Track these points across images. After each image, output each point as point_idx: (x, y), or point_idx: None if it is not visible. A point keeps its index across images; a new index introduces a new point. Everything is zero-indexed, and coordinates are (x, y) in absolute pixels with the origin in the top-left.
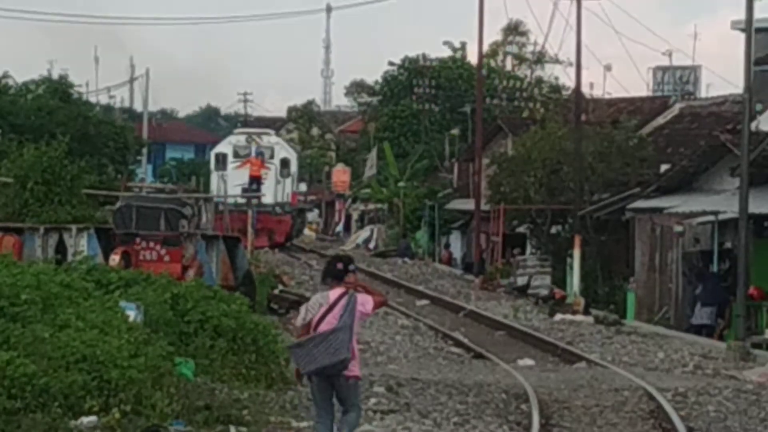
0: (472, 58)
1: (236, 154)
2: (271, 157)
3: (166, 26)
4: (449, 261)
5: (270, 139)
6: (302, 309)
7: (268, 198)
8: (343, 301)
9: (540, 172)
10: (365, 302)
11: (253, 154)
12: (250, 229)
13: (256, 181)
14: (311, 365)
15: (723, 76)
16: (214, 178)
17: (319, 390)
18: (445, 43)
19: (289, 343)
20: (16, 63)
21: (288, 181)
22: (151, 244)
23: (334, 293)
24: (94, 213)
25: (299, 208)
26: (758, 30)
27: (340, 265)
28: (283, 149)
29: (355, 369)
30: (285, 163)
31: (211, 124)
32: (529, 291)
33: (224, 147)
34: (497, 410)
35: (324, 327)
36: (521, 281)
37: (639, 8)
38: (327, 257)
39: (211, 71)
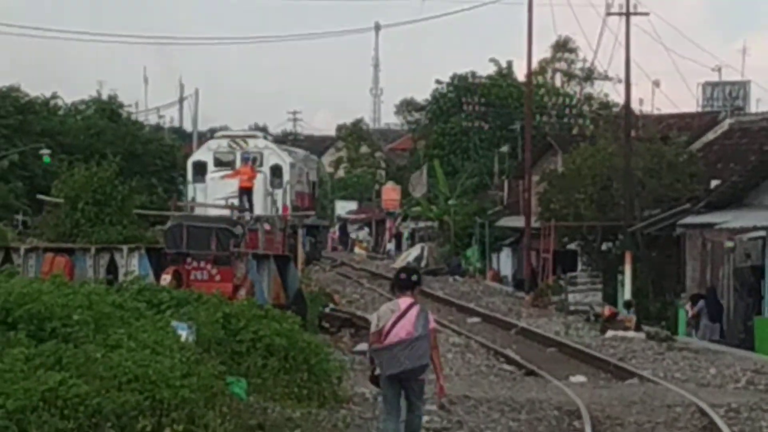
0: (521, 74)
1: (218, 162)
2: (260, 164)
3: (215, 45)
4: (496, 278)
5: (257, 142)
6: (374, 317)
7: (257, 212)
8: (414, 311)
9: (590, 188)
10: (431, 321)
11: (238, 161)
12: (300, 248)
13: (247, 193)
14: (396, 368)
15: None
16: (191, 190)
17: (392, 390)
18: (491, 60)
19: (364, 351)
20: (66, 83)
21: (280, 192)
22: (202, 264)
23: (404, 302)
24: (145, 233)
25: (303, 224)
26: None
27: (406, 276)
28: (273, 154)
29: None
30: (276, 170)
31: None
32: (580, 308)
33: (203, 154)
34: (550, 427)
35: (397, 332)
36: (572, 298)
37: (688, 24)
38: (377, 276)
39: (260, 90)
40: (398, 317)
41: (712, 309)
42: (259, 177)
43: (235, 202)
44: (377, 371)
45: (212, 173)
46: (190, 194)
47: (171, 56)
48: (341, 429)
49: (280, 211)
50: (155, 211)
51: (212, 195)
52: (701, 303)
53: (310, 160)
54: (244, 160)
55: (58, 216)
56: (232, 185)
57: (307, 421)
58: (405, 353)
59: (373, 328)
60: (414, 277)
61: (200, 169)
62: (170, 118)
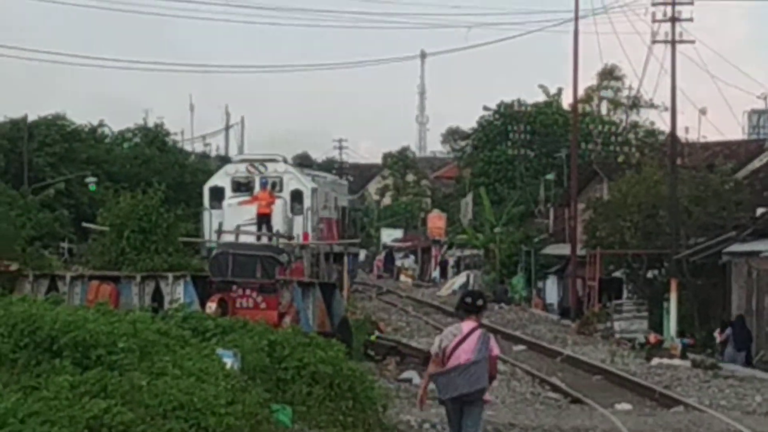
0: (567, 103)
1: (235, 187)
2: (280, 189)
3: (260, 74)
4: (543, 307)
5: (277, 167)
6: (436, 339)
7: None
8: (476, 335)
9: (636, 216)
10: (495, 347)
11: (257, 186)
12: (346, 276)
13: (265, 220)
14: (453, 392)
15: None
16: (208, 217)
17: (454, 412)
18: (540, 86)
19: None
20: (113, 111)
21: (300, 218)
22: (248, 292)
23: (467, 325)
24: (191, 261)
25: (326, 251)
26: None
27: (472, 300)
28: (294, 179)
29: (486, 395)
30: (297, 195)
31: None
32: (626, 335)
33: (220, 179)
34: None
35: (459, 355)
36: (618, 326)
37: (734, 51)
38: (423, 303)
39: (305, 118)
40: (459, 341)
41: (739, 337)
42: (278, 203)
43: (253, 229)
44: (439, 393)
45: (230, 199)
46: (206, 221)
47: (217, 84)
48: None
49: (301, 239)
50: (201, 239)
51: (229, 222)
52: (729, 330)
53: (339, 185)
54: (263, 185)
55: (103, 244)
56: (250, 212)
57: None
58: (461, 378)
59: (433, 350)
60: (479, 302)
61: (217, 194)
62: (216, 146)
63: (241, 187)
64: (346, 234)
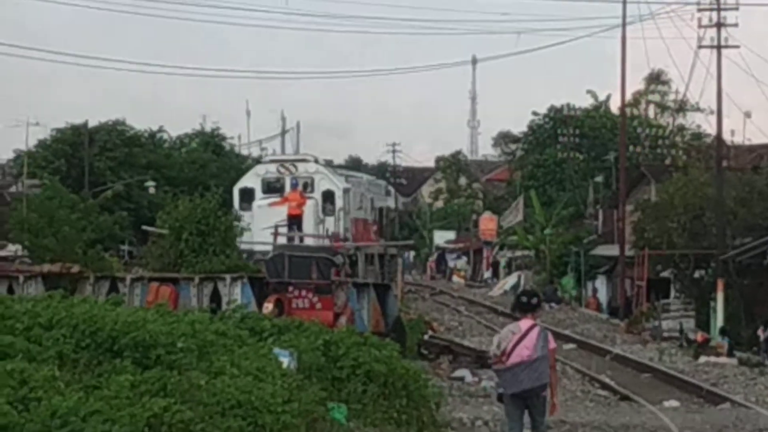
0: (616, 107)
1: (266, 188)
2: (311, 189)
3: (315, 79)
4: (597, 307)
5: (308, 167)
6: (495, 338)
7: (307, 240)
8: (534, 332)
9: (683, 217)
10: (551, 341)
11: (288, 186)
12: (400, 276)
13: (296, 221)
14: (517, 387)
15: None
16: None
17: (516, 407)
18: (588, 91)
19: (497, 378)
20: (171, 117)
21: (332, 219)
22: (304, 292)
23: (525, 323)
24: (248, 263)
25: (361, 253)
26: None
27: (527, 299)
28: (325, 179)
29: (550, 391)
30: (328, 196)
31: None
32: (674, 334)
33: (250, 180)
34: None
35: (519, 352)
36: (666, 325)
37: None
38: (475, 303)
39: (358, 123)
40: (519, 338)
41: None
42: (309, 203)
43: (283, 230)
44: (500, 390)
45: (260, 200)
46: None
47: (272, 90)
48: None
49: (330, 241)
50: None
51: (259, 223)
52: None
53: (376, 185)
54: (293, 185)
55: (162, 246)
56: (280, 213)
57: None
58: (525, 373)
59: (492, 349)
60: (534, 300)
61: (247, 196)
62: (272, 151)
63: (272, 187)
64: (386, 235)
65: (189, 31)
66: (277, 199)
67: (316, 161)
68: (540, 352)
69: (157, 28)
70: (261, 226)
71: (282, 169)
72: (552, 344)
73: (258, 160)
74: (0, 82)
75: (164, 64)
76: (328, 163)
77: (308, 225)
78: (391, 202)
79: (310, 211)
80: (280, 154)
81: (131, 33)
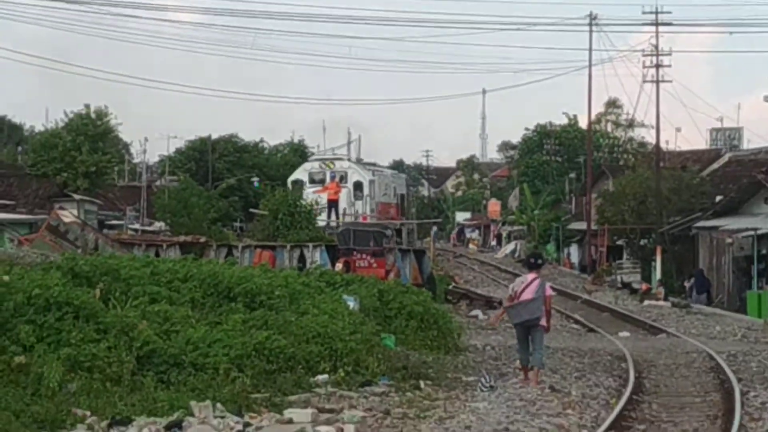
0: (583, 123)
1: (312, 180)
2: (345, 181)
3: (372, 105)
4: (571, 266)
5: (343, 164)
6: (511, 285)
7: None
8: (536, 282)
9: (632, 202)
10: (548, 290)
11: (328, 178)
12: (432, 244)
13: (334, 204)
14: (518, 319)
15: (759, 134)
16: None
17: (521, 334)
18: (564, 113)
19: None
20: (270, 131)
21: (360, 203)
22: (364, 255)
23: (530, 276)
24: (325, 235)
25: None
26: None
27: (534, 260)
28: (356, 173)
29: (543, 322)
30: (358, 186)
31: (402, 172)
32: (625, 285)
33: (300, 174)
34: (605, 367)
35: (525, 296)
36: (620, 278)
37: (700, 87)
38: (485, 263)
39: (400, 134)
40: (525, 286)
41: (699, 284)
42: (344, 191)
43: (324, 212)
44: (512, 318)
45: (307, 189)
46: None
47: (341, 111)
48: (460, 369)
49: (360, 219)
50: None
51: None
52: (692, 280)
53: (399, 177)
54: (332, 177)
55: (264, 223)
56: (322, 198)
57: (437, 363)
58: (525, 309)
59: (509, 293)
60: (539, 261)
61: (297, 186)
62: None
63: (316, 179)
64: (407, 215)
65: (281, 70)
66: (319, 188)
67: (349, 159)
68: (535, 295)
69: (269, 68)
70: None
71: (323, 165)
72: (549, 292)
73: (306, 159)
74: (152, 106)
75: (269, 94)
76: (370, 164)
77: (343, 207)
78: (404, 189)
79: (344, 197)
80: (322, 154)
81: (235, 66)
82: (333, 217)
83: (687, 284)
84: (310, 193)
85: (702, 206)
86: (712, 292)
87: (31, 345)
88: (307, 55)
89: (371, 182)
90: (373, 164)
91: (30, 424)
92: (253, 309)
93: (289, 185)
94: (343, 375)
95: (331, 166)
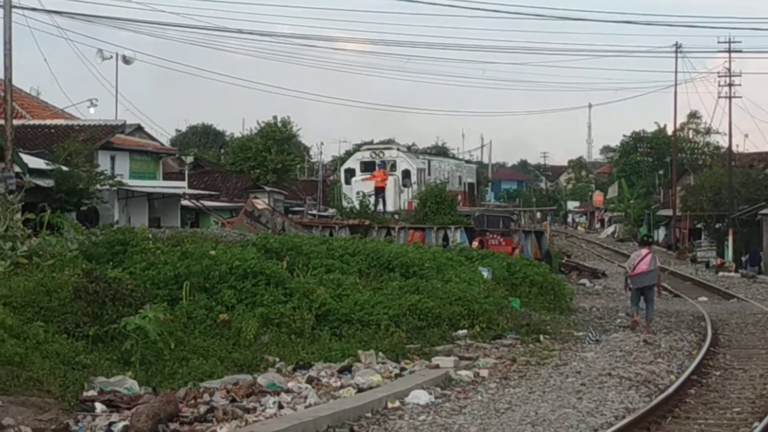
0: (670, 131)
1: (363, 168)
2: (393, 168)
3: (491, 117)
4: (659, 244)
5: (392, 153)
6: (629, 260)
7: (388, 207)
8: (649, 256)
9: (709, 194)
10: (658, 262)
11: (376, 166)
12: (548, 226)
13: (381, 191)
14: (639, 284)
15: None
16: (344, 190)
17: (636, 295)
18: (655, 122)
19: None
20: (416, 135)
21: (408, 191)
22: (495, 236)
23: (644, 251)
24: (463, 219)
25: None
26: None
27: (646, 239)
28: (404, 162)
29: (656, 288)
30: (406, 174)
31: (523, 171)
32: (703, 260)
33: (352, 163)
34: (688, 325)
35: (640, 267)
36: (699, 255)
37: (765, 101)
38: (591, 242)
39: (524, 141)
40: (641, 259)
41: (752, 258)
42: (391, 179)
43: (372, 198)
44: (629, 285)
45: (357, 177)
46: (342, 192)
47: (473, 120)
48: (572, 326)
49: (406, 206)
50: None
51: (355, 192)
52: (748, 255)
53: (468, 167)
54: (380, 165)
55: (416, 210)
56: (370, 185)
57: (553, 321)
58: (643, 278)
59: (628, 265)
60: (649, 240)
61: (349, 174)
62: (475, 156)
63: (367, 167)
64: (476, 202)
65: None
66: (369, 176)
67: (398, 149)
68: (651, 267)
69: (419, 87)
70: (356, 195)
71: (374, 155)
72: (658, 263)
73: (358, 148)
74: (327, 117)
75: (415, 107)
76: (457, 158)
77: (390, 195)
78: (473, 179)
79: (391, 184)
80: (373, 144)
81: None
82: (380, 204)
83: (744, 258)
84: (359, 181)
85: (766, 197)
86: (761, 266)
87: (232, 305)
88: (444, 76)
89: (420, 171)
90: (445, 155)
91: (231, 367)
92: (407, 278)
93: (342, 173)
94: (479, 330)
95: (381, 155)
